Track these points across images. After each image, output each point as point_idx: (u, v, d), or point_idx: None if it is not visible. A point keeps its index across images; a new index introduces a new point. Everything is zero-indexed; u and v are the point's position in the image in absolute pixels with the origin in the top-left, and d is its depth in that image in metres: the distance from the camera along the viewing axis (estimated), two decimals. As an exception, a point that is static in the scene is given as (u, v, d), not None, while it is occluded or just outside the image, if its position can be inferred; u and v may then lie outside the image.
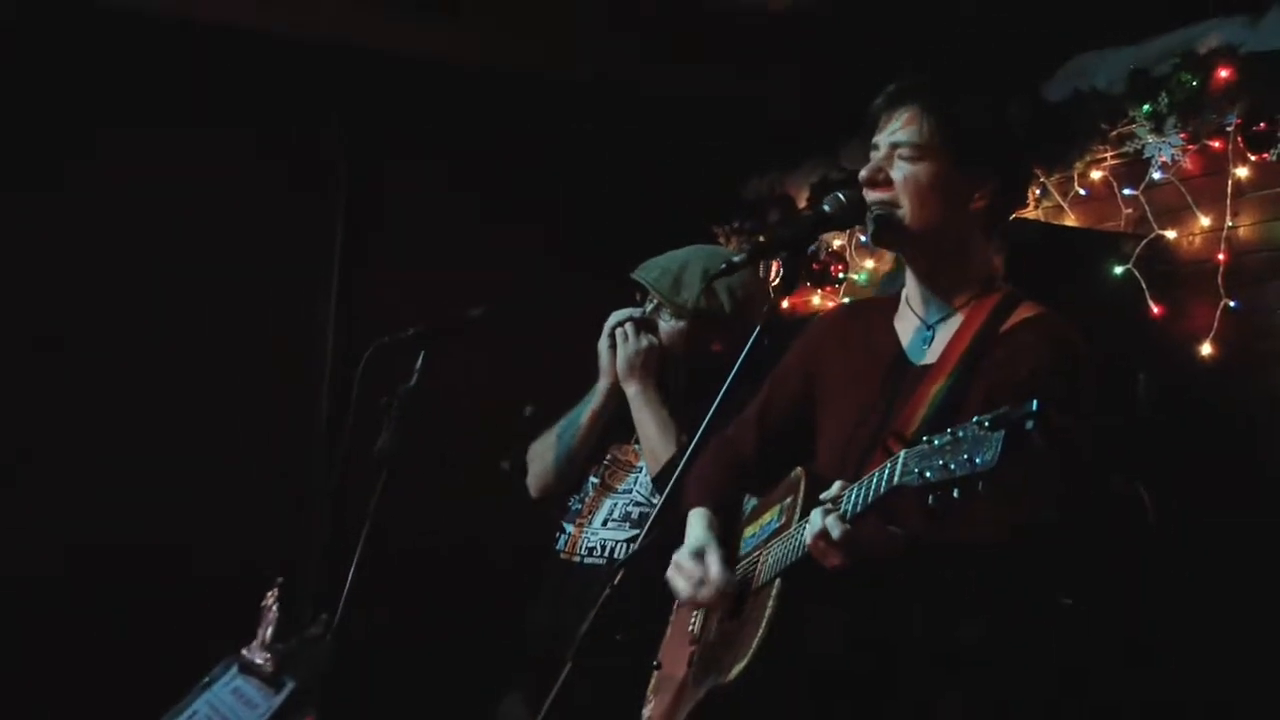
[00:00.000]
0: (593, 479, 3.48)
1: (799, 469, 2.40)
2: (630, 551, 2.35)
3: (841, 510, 2.06)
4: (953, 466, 1.84)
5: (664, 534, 2.44)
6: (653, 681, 2.68)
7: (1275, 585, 3.61)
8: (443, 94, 5.55)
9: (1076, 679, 3.00)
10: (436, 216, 5.58)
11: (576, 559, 3.33)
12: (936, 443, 1.88)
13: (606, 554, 3.28)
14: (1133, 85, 4.24)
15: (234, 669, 2.93)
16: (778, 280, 5.52)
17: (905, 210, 2.35)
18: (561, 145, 5.77)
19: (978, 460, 1.81)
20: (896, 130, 2.36)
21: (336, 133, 5.52)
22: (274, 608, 2.84)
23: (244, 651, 2.90)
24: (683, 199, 5.59)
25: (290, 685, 2.79)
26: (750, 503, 2.61)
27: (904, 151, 2.34)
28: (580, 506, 3.45)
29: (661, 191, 5.60)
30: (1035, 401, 1.78)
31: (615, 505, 3.38)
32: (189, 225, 5.18)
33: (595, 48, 5.39)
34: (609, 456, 3.49)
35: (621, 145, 5.77)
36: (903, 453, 1.94)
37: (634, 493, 3.37)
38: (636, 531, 3.27)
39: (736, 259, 2.47)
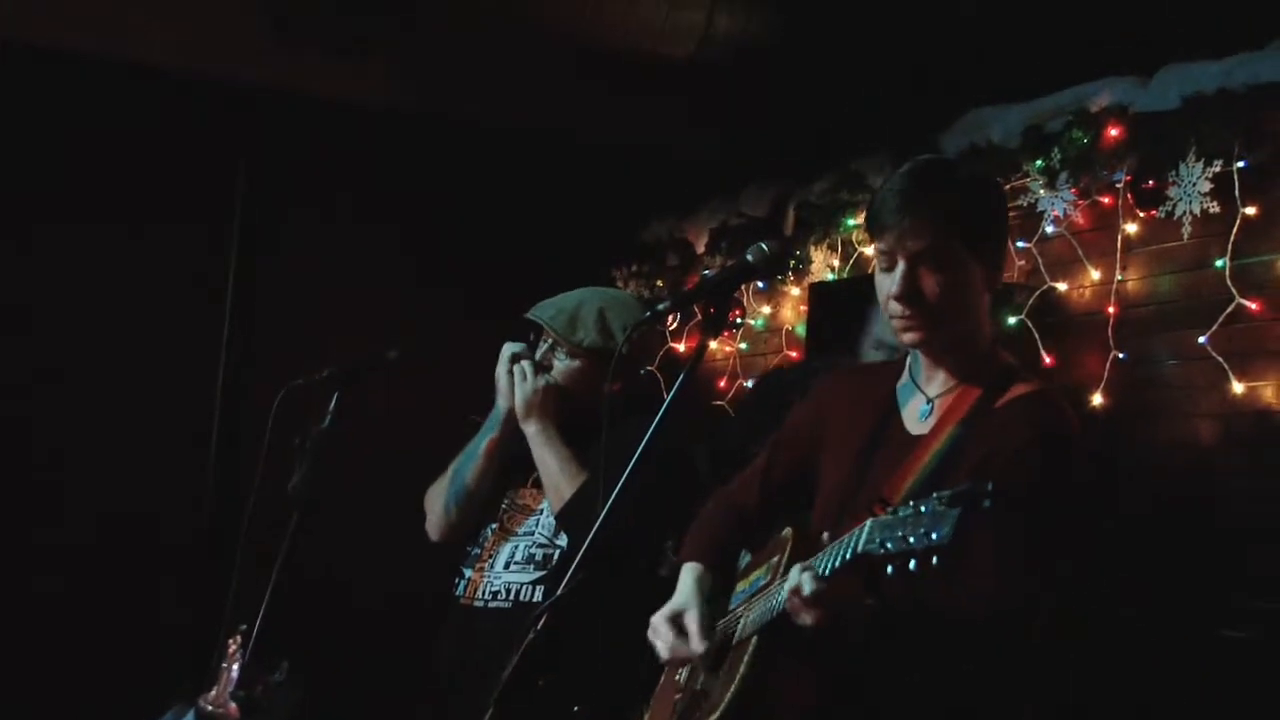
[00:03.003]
0: (491, 524, 3.43)
1: (789, 529, 2.42)
2: (556, 595, 2.31)
3: (816, 570, 2.06)
4: (911, 539, 1.84)
5: (589, 576, 2.42)
6: None
7: (1170, 634, 3.70)
8: (341, 135, 5.54)
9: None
10: (333, 258, 5.55)
11: (479, 603, 3.29)
12: (900, 514, 1.88)
13: (512, 597, 3.25)
14: (1026, 141, 4.36)
15: (189, 716, 2.85)
16: (674, 325, 5.62)
17: (944, 317, 2.32)
18: (461, 188, 5.78)
19: (933, 535, 1.81)
20: (912, 241, 2.29)
21: (234, 172, 5.48)
22: (238, 655, 2.77)
23: (201, 700, 2.82)
24: (582, 241, 5.63)
25: (257, 733, 2.73)
26: (745, 558, 2.63)
27: (928, 261, 2.29)
28: (479, 551, 3.40)
29: (561, 233, 5.63)
30: (990, 482, 1.80)
31: (516, 548, 3.34)
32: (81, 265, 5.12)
33: (497, 91, 5.39)
34: (506, 500, 3.45)
35: (522, 188, 5.80)
36: (869, 522, 1.94)
37: (535, 535, 3.34)
38: (542, 574, 3.26)
39: (662, 306, 2.47)
